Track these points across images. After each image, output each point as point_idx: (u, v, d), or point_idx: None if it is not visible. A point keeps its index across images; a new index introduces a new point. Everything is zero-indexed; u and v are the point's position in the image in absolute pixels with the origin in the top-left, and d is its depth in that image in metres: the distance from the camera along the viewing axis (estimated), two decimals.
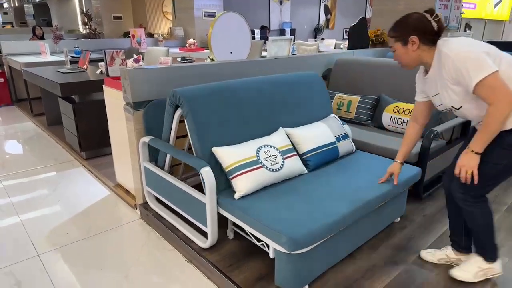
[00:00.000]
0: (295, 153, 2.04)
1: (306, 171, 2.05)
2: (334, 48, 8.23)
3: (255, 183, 1.79)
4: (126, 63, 2.50)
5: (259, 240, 1.77)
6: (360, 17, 4.07)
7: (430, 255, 1.88)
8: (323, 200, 1.75)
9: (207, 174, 1.75)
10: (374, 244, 2.02)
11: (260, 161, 1.85)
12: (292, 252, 1.49)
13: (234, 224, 1.98)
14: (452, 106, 1.54)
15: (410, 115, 2.72)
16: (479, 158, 1.47)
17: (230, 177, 1.80)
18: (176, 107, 1.97)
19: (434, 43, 1.51)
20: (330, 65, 3.45)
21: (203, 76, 2.48)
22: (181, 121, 2.02)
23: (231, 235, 2.02)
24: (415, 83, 1.75)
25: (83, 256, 2.03)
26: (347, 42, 7.25)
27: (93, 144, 3.36)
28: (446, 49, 1.45)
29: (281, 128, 2.15)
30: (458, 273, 1.71)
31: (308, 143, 2.12)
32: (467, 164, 1.49)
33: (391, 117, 2.82)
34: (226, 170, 1.81)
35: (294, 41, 5.84)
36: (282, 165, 1.92)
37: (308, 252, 1.57)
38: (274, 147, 1.96)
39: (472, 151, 1.47)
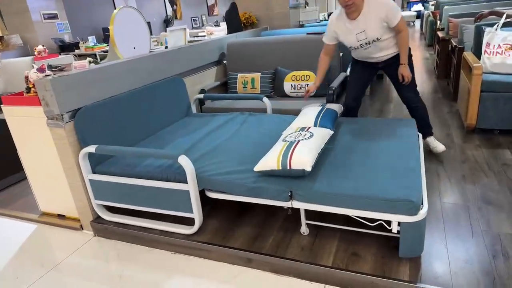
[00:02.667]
0: (309, 126, 2.12)
1: (332, 131, 2.10)
2: (190, 36, 8.44)
3: (309, 151, 1.75)
4: (28, 76, 2.18)
5: (373, 220, 1.70)
6: (231, 2, 4.40)
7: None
8: (391, 159, 1.84)
9: (185, 161, 1.81)
10: None
11: (293, 141, 1.87)
12: (418, 218, 1.52)
13: (308, 218, 1.91)
14: (377, 38, 2.37)
15: (306, 80, 3.23)
16: None
17: (288, 167, 1.71)
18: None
19: None
20: (223, 49, 3.69)
21: (127, 73, 2.40)
22: None
23: (306, 231, 1.91)
24: (328, 31, 2.53)
25: None
26: (200, 29, 7.45)
27: None
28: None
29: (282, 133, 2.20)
30: (441, 147, 2.68)
31: (308, 119, 2.22)
32: (409, 73, 2.46)
33: (291, 85, 3.29)
34: (280, 168, 1.73)
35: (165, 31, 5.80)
36: (311, 133, 1.96)
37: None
38: (291, 133, 2.02)
39: (405, 64, 2.44)
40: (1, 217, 2.57)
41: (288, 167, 1.71)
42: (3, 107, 2.22)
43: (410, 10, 16.05)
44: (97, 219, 2.22)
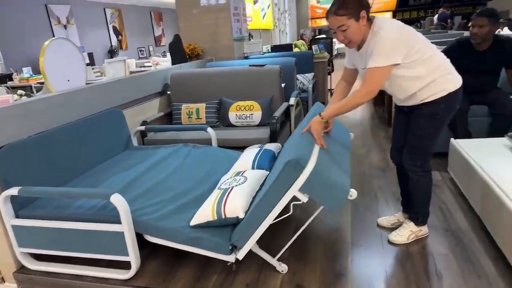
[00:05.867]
0: (246, 169, 2.09)
1: (268, 172, 2.06)
2: (136, 66, 8.29)
3: (242, 197, 1.73)
4: None
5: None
6: (175, 34, 4.41)
7: (385, 221, 2.21)
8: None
9: (118, 200, 1.70)
10: None
11: (227, 188, 1.83)
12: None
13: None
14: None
15: (250, 110, 3.27)
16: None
17: (222, 216, 1.67)
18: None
19: (370, 19, 1.64)
20: (167, 80, 3.65)
21: (58, 107, 2.26)
22: None
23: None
24: (345, 54, 1.95)
25: None
26: (147, 60, 7.36)
27: None
28: (379, 29, 1.59)
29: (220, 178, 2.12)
30: (395, 238, 2.01)
31: (246, 161, 2.19)
32: (315, 130, 1.74)
33: (236, 114, 3.31)
34: (216, 218, 1.68)
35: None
36: (245, 177, 1.92)
37: None
38: (226, 179, 1.98)
39: (322, 117, 1.74)
40: None
41: (223, 216, 1.68)
42: None
43: None
44: (21, 269, 2.00)
